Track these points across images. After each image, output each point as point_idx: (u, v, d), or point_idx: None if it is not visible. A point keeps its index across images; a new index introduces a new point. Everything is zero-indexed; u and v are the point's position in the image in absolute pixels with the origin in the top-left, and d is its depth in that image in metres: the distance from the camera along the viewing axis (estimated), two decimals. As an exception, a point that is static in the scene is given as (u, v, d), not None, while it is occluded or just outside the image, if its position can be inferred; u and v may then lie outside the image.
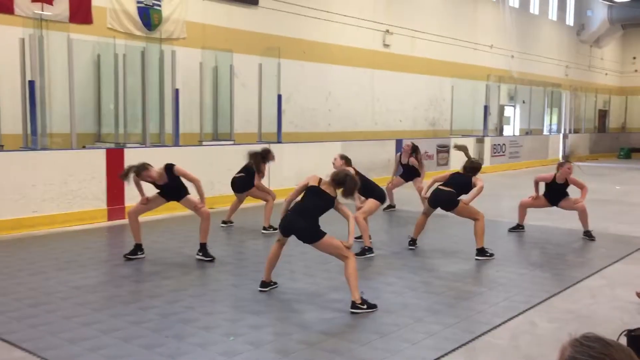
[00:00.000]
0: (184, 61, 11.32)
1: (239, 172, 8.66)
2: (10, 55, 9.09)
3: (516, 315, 5.12)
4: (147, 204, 6.86)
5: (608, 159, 25.70)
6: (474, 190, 7.35)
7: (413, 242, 7.72)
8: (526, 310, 5.28)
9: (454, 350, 4.33)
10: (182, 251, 7.26)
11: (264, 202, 8.79)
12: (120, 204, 9.36)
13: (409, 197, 12.66)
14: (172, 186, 6.71)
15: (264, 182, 9.33)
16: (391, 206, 10.98)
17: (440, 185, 7.56)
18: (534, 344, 4.55)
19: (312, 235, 5.26)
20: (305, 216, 5.29)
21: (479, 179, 7.46)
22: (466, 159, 7.95)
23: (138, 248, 6.86)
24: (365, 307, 5.09)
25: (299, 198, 5.52)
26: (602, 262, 7.12)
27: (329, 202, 5.41)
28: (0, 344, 4.33)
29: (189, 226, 8.41)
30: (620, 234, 8.86)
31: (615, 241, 8.43)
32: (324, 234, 5.27)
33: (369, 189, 7.54)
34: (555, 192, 8.60)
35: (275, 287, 5.74)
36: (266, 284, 5.68)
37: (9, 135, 9.23)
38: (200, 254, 6.81)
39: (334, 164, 7.70)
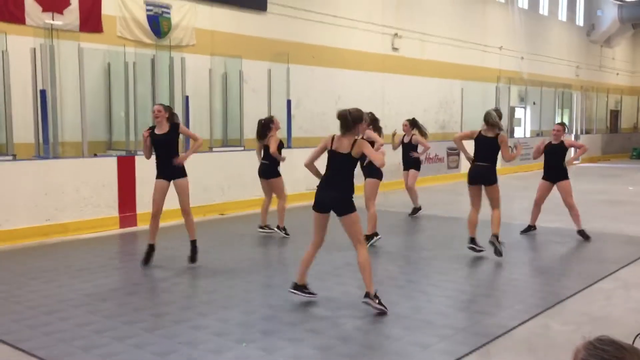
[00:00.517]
0: (194, 68, 11.37)
1: (263, 159, 8.65)
2: (21, 65, 9.17)
3: (530, 318, 5.08)
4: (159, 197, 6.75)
5: (620, 159, 25.49)
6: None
7: (473, 240, 7.39)
8: (540, 313, 5.23)
9: (467, 354, 4.31)
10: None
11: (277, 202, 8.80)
12: (132, 211, 9.41)
13: (419, 200, 12.62)
14: (167, 140, 6.65)
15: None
16: (416, 209, 10.77)
17: (477, 162, 7.37)
18: (548, 347, 4.51)
19: (345, 206, 5.15)
20: (332, 186, 5.21)
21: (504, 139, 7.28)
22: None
23: (151, 249, 6.85)
24: (377, 302, 5.08)
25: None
26: (616, 263, 7.05)
27: (344, 161, 5.17)
28: (14, 352, 4.36)
29: (198, 232, 8.41)
30: (634, 235, 8.78)
31: (629, 242, 8.35)
32: (354, 209, 5.21)
33: (371, 167, 7.46)
34: (553, 155, 8.62)
35: (309, 294, 5.50)
36: (298, 287, 5.48)
37: (21, 144, 9.30)
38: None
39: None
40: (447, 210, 11.39)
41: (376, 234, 7.88)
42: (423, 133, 10.58)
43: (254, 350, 4.38)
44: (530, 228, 8.81)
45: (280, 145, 8.60)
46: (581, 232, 8.45)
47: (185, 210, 6.78)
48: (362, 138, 5.31)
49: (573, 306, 5.47)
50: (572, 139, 23.33)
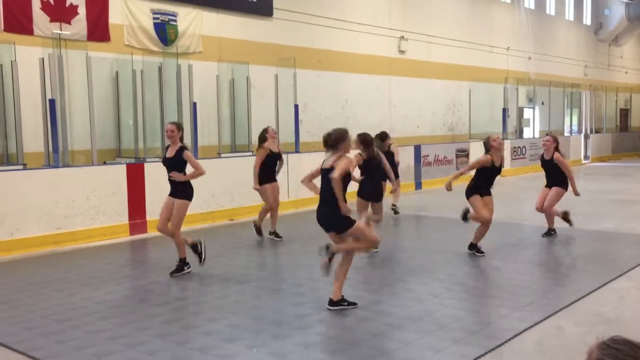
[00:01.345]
0: (201, 75, 11.42)
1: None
2: (30, 75, 9.25)
3: (542, 320, 5.04)
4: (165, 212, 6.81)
5: (631, 158, 25.33)
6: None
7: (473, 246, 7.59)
8: (552, 314, 5.19)
9: (479, 357, 4.28)
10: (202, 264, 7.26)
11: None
12: (142, 218, 9.44)
13: (426, 202, 12.59)
14: (174, 162, 6.70)
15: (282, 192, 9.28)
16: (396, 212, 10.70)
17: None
18: (561, 348, 4.48)
19: (337, 222, 5.20)
20: (324, 202, 5.27)
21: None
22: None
23: (183, 263, 6.82)
24: (346, 303, 5.26)
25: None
26: (628, 263, 7.00)
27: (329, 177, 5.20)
28: (27, 361, 4.37)
29: (208, 238, 8.42)
30: (646, 234, 8.70)
31: (641, 242, 8.28)
32: (352, 221, 5.24)
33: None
34: (546, 169, 8.53)
35: (348, 306, 5.37)
36: (333, 302, 5.35)
37: (31, 153, 9.37)
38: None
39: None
40: (457, 212, 11.34)
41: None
42: (392, 151, 10.54)
43: (264, 356, 4.38)
44: (551, 232, 8.67)
45: (275, 157, 8.63)
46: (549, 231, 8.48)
47: (171, 230, 6.70)
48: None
49: (586, 307, 5.43)
50: (582, 139, 23.26)
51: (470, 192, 7.61)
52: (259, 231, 8.76)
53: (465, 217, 7.87)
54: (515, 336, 4.67)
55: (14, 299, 5.89)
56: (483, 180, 7.56)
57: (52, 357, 4.39)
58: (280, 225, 8.84)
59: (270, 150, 8.52)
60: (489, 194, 7.65)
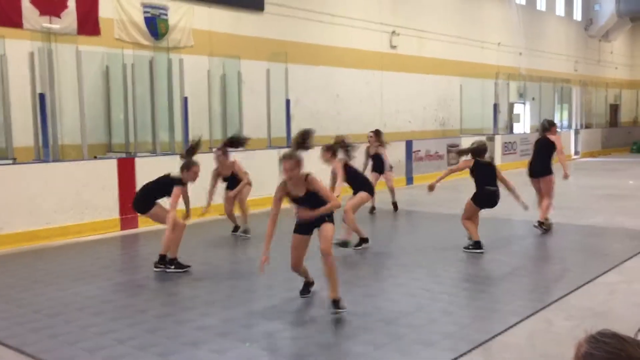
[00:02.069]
0: (192, 69, 11.37)
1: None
2: (20, 69, 9.18)
3: (532, 314, 5.08)
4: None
5: (621, 153, 25.50)
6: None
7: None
8: (542, 308, 5.23)
9: (470, 350, 4.31)
10: (193, 259, 7.24)
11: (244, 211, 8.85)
12: (132, 213, 9.40)
13: (417, 198, 12.64)
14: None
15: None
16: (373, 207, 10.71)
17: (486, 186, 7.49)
18: (551, 342, 4.52)
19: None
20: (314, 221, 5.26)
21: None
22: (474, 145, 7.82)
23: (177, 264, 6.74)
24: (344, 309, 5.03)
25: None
26: (618, 257, 7.05)
27: (311, 201, 5.08)
28: (19, 356, 4.36)
29: (199, 232, 8.43)
30: (636, 229, 8.77)
31: (631, 236, 8.35)
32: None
33: (360, 182, 7.56)
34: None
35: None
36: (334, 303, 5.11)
37: (20, 147, 9.31)
38: (162, 266, 6.63)
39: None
40: (449, 207, 11.40)
41: (365, 240, 7.68)
42: (383, 143, 10.69)
43: (257, 350, 4.39)
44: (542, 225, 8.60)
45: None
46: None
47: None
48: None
49: (576, 301, 5.47)
50: (572, 134, 23.37)
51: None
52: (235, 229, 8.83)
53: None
54: (505, 330, 4.71)
55: (5, 294, 5.87)
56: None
57: (43, 352, 4.37)
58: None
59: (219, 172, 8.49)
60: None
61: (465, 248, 7.43)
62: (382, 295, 5.69)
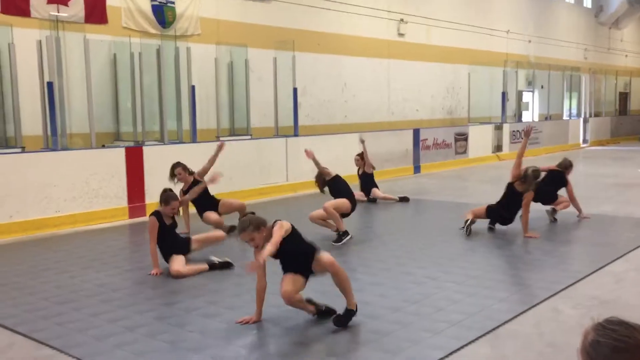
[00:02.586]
0: (199, 57, 11.36)
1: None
2: (28, 58, 9.20)
3: (539, 303, 5.08)
4: None
5: (630, 142, 25.33)
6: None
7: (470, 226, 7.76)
8: (549, 297, 5.23)
9: (477, 339, 4.32)
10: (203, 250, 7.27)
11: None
12: (140, 201, 9.46)
13: (425, 186, 12.63)
14: None
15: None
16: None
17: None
18: (558, 331, 4.52)
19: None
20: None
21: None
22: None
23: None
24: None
25: None
26: (626, 246, 7.03)
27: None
28: (29, 342, 4.41)
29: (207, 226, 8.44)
30: (644, 218, 8.73)
31: (639, 225, 8.31)
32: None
33: (346, 193, 7.66)
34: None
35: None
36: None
37: (29, 136, 9.36)
38: None
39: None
40: (456, 196, 11.38)
41: (346, 233, 7.47)
42: (366, 157, 10.82)
43: (264, 337, 4.42)
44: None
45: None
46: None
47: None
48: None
49: (583, 290, 5.47)
50: (581, 123, 23.23)
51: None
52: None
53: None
54: (512, 318, 4.71)
55: (14, 282, 5.93)
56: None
57: (53, 339, 4.42)
58: (278, 208, 8.86)
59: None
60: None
61: None
62: (389, 283, 5.70)
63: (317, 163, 7.69)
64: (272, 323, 4.69)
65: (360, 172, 10.85)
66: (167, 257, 6.22)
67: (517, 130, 19.05)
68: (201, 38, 12.00)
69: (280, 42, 12.75)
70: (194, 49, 11.06)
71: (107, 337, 4.44)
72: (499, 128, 18.22)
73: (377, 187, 10.82)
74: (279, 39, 12.92)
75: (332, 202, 7.54)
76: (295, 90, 12.38)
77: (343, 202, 7.58)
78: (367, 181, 10.79)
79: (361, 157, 10.84)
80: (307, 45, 13.94)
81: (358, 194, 10.44)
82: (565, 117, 23.16)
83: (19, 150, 8.83)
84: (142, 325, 4.67)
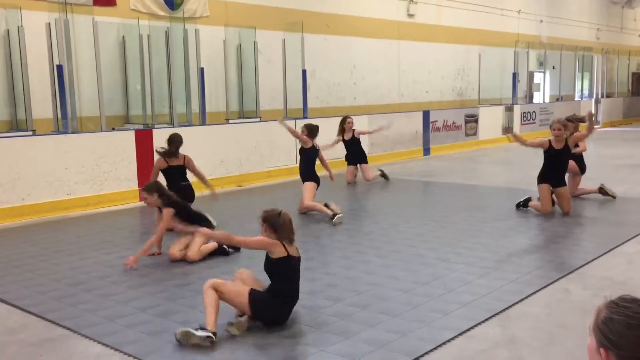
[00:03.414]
0: (208, 40, 11.31)
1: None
2: (37, 40, 9.19)
3: (550, 283, 5.07)
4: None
5: (643, 123, 25.07)
6: None
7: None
8: (560, 278, 5.22)
9: (487, 319, 4.32)
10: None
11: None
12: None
13: (435, 168, 12.59)
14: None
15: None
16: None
17: None
18: (569, 311, 4.51)
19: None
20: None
21: None
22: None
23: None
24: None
25: None
26: (638, 227, 6.98)
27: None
28: (42, 322, 4.46)
29: (217, 205, 8.46)
30: (656, 199, 8.66)
31: (651, 206, 8.25)
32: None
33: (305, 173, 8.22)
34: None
35: None
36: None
37: (40, 119, 9.39)
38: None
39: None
40: (466, 177, 11.34)
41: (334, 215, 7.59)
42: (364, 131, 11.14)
43: (275, 318, 4.43)
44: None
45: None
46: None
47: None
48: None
49: (594, 271, 5.44)
50: (593, 103, 22.98)
51: (539, 179, 7.87)
52: None
53: (524, 204, 8.01)
54: (523, 299, 4.70)
55: (27, 263, 5.98)
56: (548, 166, 7.77)
57: (65, 319, 4.47)
58: (289, 192, 8.85)
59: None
60: (563, 184, 7.80)
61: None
62: (399, 265, 5.70)
63: (290, 129, 8.17)
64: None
65: (348, 138, 10.74)
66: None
67: (528, 112, 18.88)
68: (210, 20, 11.93)
69: (289, 23, 12.66)
70: (203, 31, 11.01)
71: (119, 317, 4.48)
72: (509, 109, 18.07)
73: (366, 159, 10.82)
74: (287, 20, 12.83)
75: (306, 196, 7.94)
76: (304, 72, 12.31)
77: (311, 186, 8.05)
78: (356, 150, 10.76)
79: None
80: (316, 27, 13.84)
81: (349, 169, 10.73)
82: (577, 98, 22.92)
83: (30, 133, 8.87)
84: (153, 306, 4.70)
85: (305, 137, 8.23)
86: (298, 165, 8.77)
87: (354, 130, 10.75)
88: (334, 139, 10.62)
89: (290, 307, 4.32)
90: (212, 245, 6.10)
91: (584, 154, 8.72)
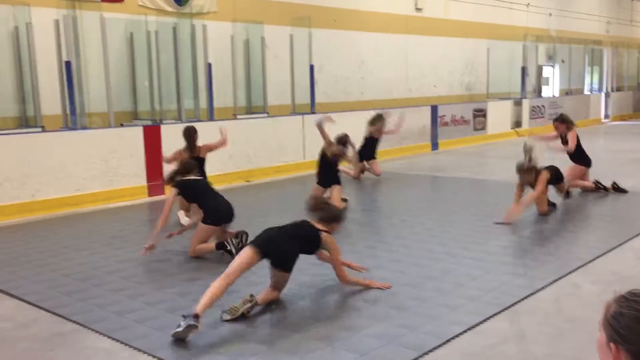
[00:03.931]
0: (215, 35, 11.31)
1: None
2: (45, 37, 9.23)
3: (559, 278, 5.05)
4: None
5: (653, 117, 24.88)
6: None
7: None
8: (569, 272, 5.20)
9: (496, 314, 4.31)
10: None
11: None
12: (159, 179, 9.50)
13: (443, 163, 12.56)
14: None
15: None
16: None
17: None
18: (578, 306, 4.50)
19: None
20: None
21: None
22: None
23: None
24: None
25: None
26: (647, 222, 6.94)
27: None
28: (52, 317, 4.49)
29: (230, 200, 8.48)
30: (666, 193, 8.60)
31: (661, 201, 8.19)
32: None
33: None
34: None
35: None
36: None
37: (48, 116, 9.43)
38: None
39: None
40: (475, 172, 11.30)
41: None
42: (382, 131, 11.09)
43: (282, 312, 4.45)
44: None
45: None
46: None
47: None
48: None
49: (603, 266, 5.42)
50: (603, 97, 22.81)
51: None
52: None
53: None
54: (531, 294, 4.69)
55: (37, 259, 6.02)
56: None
57: (75, 314, 4.50)
58: (295, 185, 8.86)
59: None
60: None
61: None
62: (408, 259, 5.70)
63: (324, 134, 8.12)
64: (287, 299, 4.72)
65: (367, 135, 10.85)
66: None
67: (537, 106, 18.77)
68: (217, 15, 11.93)
69: (296, 18, 12.64)
70: (210, 27, 11.01)
71: (128, 312, 4.51)
72: (518, 104, 17.98)
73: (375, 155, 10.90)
74: (295, 15, 12.81)
75: (335, 198, 7.83)
76: (311, 67, 12.30)
77: (340, 190, 8.12)
78: (370, 147, 10.82)
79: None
80: (324, 22, 13.81)
81: (358, 168, 10.70)
82: (586, 92, 22.77)
83: (39, 129, 8.92)
84: (162, 301, 4.73)
85: (339, 151, 8.26)
86: (318, 168, 8.59)
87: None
88: (389, 129, 11.03)
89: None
90: (210, 246, 6.13)
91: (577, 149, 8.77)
